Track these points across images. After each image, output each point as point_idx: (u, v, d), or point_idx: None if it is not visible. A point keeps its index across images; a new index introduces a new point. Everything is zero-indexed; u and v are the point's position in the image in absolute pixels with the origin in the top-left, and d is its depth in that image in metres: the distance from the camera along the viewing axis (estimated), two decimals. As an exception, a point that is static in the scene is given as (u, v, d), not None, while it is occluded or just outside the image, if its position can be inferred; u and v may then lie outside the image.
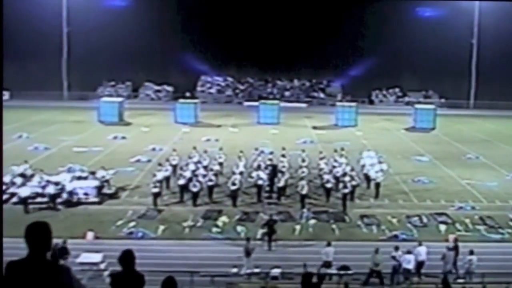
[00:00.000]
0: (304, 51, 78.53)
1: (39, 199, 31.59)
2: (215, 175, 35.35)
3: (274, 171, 34.69)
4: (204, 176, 34.48)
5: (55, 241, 6.33)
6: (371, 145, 49.01)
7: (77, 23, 79.36)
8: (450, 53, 75.69)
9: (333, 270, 23.29)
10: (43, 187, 32.18)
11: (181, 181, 33.73)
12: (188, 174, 34.51)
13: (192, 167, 35.93)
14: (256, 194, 33.72)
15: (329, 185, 33.74)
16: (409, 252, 23.82)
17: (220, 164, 38.68)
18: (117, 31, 75.80)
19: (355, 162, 39.17)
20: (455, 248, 24.55)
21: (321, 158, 38.85)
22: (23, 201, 31.21)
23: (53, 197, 31.59)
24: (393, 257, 23.50)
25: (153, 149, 46.65)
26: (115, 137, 52.25)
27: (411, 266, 23.56)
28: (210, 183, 33.52)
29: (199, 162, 37.49)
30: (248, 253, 24.15)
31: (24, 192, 31.80)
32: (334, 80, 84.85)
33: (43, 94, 76.27)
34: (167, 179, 35.23)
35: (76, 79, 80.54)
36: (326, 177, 34.45)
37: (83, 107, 69.80)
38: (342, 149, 40.97)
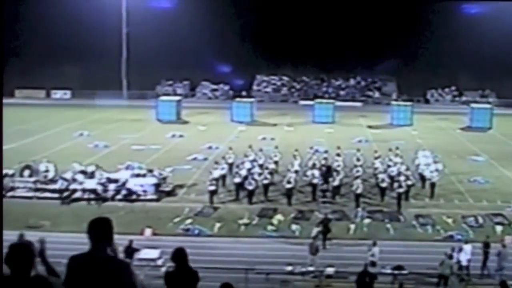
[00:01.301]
0: (359, 50, 78.10)
1: (99, 196, 32.42)
2: (271, 173, 35.59)
3: (328, 171, 34.66)
4: (260, 174, 34.73)
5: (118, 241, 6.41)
6: (426, 144, 48.45)
7: (136, 24, 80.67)
8: (508, 50, 73.85)
9: (387, 270, 23.19)
10: (103, 184, 33.01)
11: (237, 179, 34.09)
12: (244, 172, 34.87)
13: (248, 165, 36.27)
14: (311, 192, 33.80)
15: (384, 185, 33.60)
16: (460, 250, 23.53)
17: (276, 162, 38.88)
18: (175, 31, 76.81)
19: (410, 161, 38.84)
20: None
21: (376, 158, 38.73)
22: (84, 197, 32.18)
23: (113, 193, 32.37)
24: (449, 256, 23.09)
25: (210, 148, 47.17)
26: (173, 136, 53.03)
27: (464, 264, 23.26)
28: (265, 182, 33.76)
29: (254, 160, 37.81)
30: (316, 250, 24.36)
31: (85, 188, 32.76)
32: (389, 79, 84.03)
33: (103, 93, 77.93)
34: (223, 177, 35.62)
35: (135, 78, 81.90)
36: (381, 176, 34.33)
37: (142, 105, 71.00)
38: (397, 148, 40.69)
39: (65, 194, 32.93)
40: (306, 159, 39.18)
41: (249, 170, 35.36)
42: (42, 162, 35.99)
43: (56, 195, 32.90)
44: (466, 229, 28.84)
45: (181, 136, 53.09)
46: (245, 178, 33.94)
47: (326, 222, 27.57)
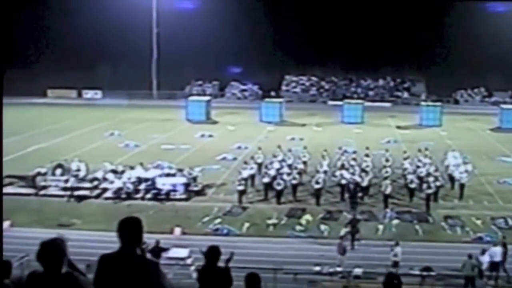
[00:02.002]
0: (388, 51, 77.88)
1: (129, 195, 32.80)
2: (299, 173, 35.64)
3: (355, 190, 33.90)
4: (288, 174, 34.79)
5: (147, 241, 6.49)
6: (455, 145, 48.05)
7: (166, 24, 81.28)
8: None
9: (416, 271, 23.09)
10: (133, 183, 33.38)
11: (266, 179, 34.22)
12: (272, 172, 34.99)
13: (276, 165, 36.40)
14: (339, 193, 33.78)
15: (412, 185, 33.49)
16: (483, 252, 23.31)
17: (304, 163, 38.93)
18: (205, 32, 77.31)
19: (439, 162, 38.58)
20: None
21: (405, 158, 38.65)
22: (114, 196, 32.61)
23: (142, 192, 32.72)
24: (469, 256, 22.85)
25: (239, 147, 47.35)
26: (202, 135, 53.36)
27: (484, 266, 23.03)
28: (294, 182, 33.80)
29: (283, 160, 37.91)
30: (344, 251, 24.40)
31: (115, 187, 33.19)
32: (418, 79, 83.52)
33: (134, 93, 78.68)
34: (252, 177, 35.78)
35: (165, 79, 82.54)
36: (409, 177, 34.20)
37: (172, 105, 71.49)
38: (426, 149, 40.51)
39: (96, 192, 33.43)
40: (335, 160, 39.15)
41: (277, 170, 35.47)
42: (74, 161, 36.51)
43: (87, 193, 33.36)
44: (495, 230, 28.59)
45: (210, 136, 53.37)
46: (274, 178, 34.03)
47: (355, 222, 27.54)
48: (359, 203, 31.30)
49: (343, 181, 33.87)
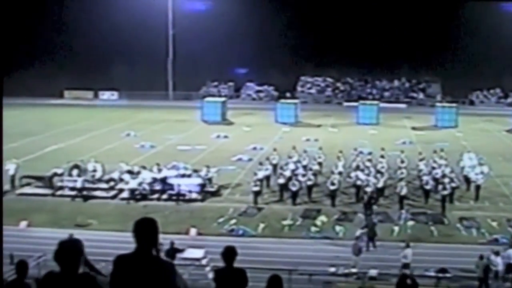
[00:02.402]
0: (404, 52, 77.67)
1: (145, 195, 32.98)
2: (314, 174, 35.61)
3: (369, 201, 33.34)
4: (304, 175, 34.81)
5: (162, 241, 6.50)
6: (471, 146, 47.75)
7: (181, 26, 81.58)
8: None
9: (431, 273, 23.04)
10: (149, 184, 33.55)
11: (281, 180, 34.27)
12: (288, 173, 35.03)
13: (292, 166, 36.40)
14: (354, 194, 33.75)
15: (428, 187, 33.34)
16: (497, 254, 23.17)
17: (320, 164, 38.90)
18: (220, 33, 77.51)
19: (455, 163, 38.40)
20: None
21: (421, 159, 38.46)
22: (130, 197, 32.82)
23: (158, 193, 32.89)
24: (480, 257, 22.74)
25: (254, 148, 47.39)
26: (218, 136, 53.45)
27: (499, 268, 22.89)
28: (309, 183, 33.82)
29: (298, 161, 37.92)
30: (359, 251, 24.43)
31: (131, 188, 33.39)
32: (434, 80, 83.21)
33: (150, 94, 79.04)
34: (267, 178, 35.83)
35: (180, 80, 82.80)
36: (425, 178, 34.05)
37: (187, 106, 71.74)
38: (442, 150, 40.35)
39: (112, 193, 33.66)
40: (350, 161, 39.09)
41: (293, 171, 35.50)
42: (90, 161, 36.76)
43: (104, 194, 33.60)
44: (511, 232, 28.40)
45: (226, 136, 53.46)
46: (289, 179, 34.06)
47: (372, 225, 27.38)
48: (373, 209, 31.08)
49: (359, 182, 33.83)
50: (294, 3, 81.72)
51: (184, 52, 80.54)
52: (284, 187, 33.85)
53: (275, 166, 37.80)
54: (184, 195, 33.13)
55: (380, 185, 33.70)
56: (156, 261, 5.92)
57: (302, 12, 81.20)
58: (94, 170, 35.78)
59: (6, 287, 9.49)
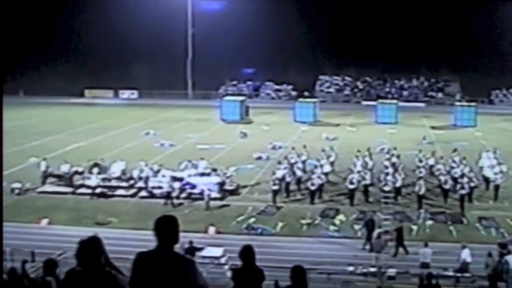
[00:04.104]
0: (423, 51, 77.40)
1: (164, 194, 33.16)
2: (326, 174, 35.65)
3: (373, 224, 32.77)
4: (322, 174, 34.81)
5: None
6: (490, 145, 47.35)
7: (201, 25, 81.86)
8: None
9: (449, 273, 22.96)
10: (168, 183, 33.70)
11: (292, 179, 34.38)
12: (300, 172, 35.39)
13: (310, 166, 36.40)
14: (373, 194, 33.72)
15: (447, 186, 33.17)
16: (509, 253, 23.00)
17: (332, 163, 38.87)
18: (239, 32, 77.72)
19: (474, 163, 38.20)
20: None
21: (440, 158, 38.39)
22: (149, 195, 33.06)
23: (177, 192, 33.05)
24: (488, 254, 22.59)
25: (273, 147, 47.41)
26: (244, 134, 53.42)
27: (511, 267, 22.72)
28: (320, 182, 33.70)
29: (317, 160, 37.92)
30: (381, 248, 24.41)
31: (150, 186, 33.64)
32: (453, 79, 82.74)
33: (169, 93, 79.41)
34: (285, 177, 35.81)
35: (200, 79, 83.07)
36: (443, 178, 33.88)
37: (207, 105, 72.02)
38: (455, 150, 40.19)
39: (132, 191, 33.91)
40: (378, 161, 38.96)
41: (311, 170, 35.58)
42: (116, 161, 36.90)
43: (124, 192, 33.85)
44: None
45: (245, 135, 53.45)
46: (308, 178, 34.11)
47: (399, 229, 26.96)
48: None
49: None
50: (313, 2, 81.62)
51: (203, 51, 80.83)
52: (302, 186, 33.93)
53: (293, 165, 37.79)
54: (203, 193, 33.22)
55: (398, 184, 33.62)
56: (177, 258, 6.00)
57: (321, 11, 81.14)
58: (115, 169, 36.02)
59: (29, 283, 9.67)
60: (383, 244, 25.02)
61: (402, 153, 40.54)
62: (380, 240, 25.08)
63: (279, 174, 34.64)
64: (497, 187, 33.74)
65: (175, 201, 32.31)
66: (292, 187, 34.70)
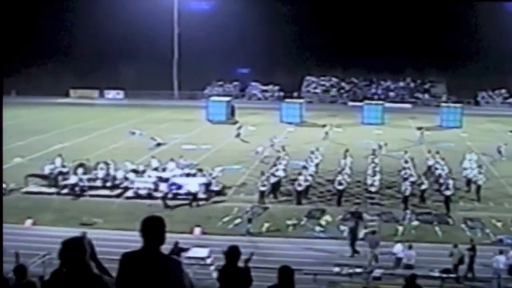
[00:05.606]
0: (409, 52, 77.74)
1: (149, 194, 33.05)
2: (312, 175, 35.72)
3: (360, 217, 32.63)
4: (309, 175, 34.82)
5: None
6: (476, 147, 47.72)
7: (187, 25, 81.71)
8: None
9: (435, 273, 23.04)
10: (154, 183, 33.58)
11: (273, 180, 34.29)
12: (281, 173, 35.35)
13: (296, 166, 36.41)
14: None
15: (424, 187, 33.26)
16: (501, 253, 23.20)
17: (317, 165, 38.93)
18: (225, 33, 77.66)
19: (459, 163, 38.44)
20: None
21: (427, 159, 38.59)
22: (135, 196, 32.90)
23: (163, 192, 32.89)
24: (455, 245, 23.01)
25: (260, 148, 47.22)
26: (223, 135, 53.29)
27: (501, 266, 22.89)
28: (306, 183, 33.71)
29: (305, 161, 38.02)
30: (376, 244, 24.60)
31: (135, 187, 33.50)
32: (439, 80, 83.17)
33: (155, 93, 79.15)
34: (268, 177, 35.73)
35: (186, 79, 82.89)
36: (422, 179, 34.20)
37: (193, 106, 71.82)
38: (437, 152, 40.42)
39: (117, 192, 33.74)
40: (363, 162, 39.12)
41: (284, 170, 35.83)
42: (100, 162, 36.71)
43: (108, 192, 33.68)
44: (516, 233, 28.40)
45: (236, 135, 53.11)
46: (294, 179, 34.15)
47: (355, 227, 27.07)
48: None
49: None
50: (300, 3, 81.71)
51: (190, 51, 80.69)
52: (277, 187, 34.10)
53: (278, 166, 37.70)
54: (188, 194, 33.10)
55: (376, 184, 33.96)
56: (163, 258, 5.96)
57: (308, 12, 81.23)
58: (101, 169, 35.80)
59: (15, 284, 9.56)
60: (378, 240, 25.07)
61: (388, 154, 40.67)
62: (374, 236, 25.15)
63: (266, 174, 34.56)
64: (479, 188, 33.84)
65: (161, 201, 32.14)
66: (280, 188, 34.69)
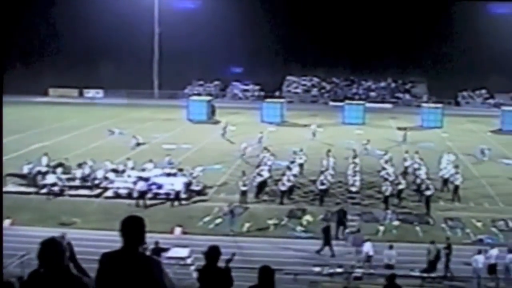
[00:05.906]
0: (390, 52, 78.06)
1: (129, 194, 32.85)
2: (295, 175, 35.74)
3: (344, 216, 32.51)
4: (291, 175, 34.81)
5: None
6: (456, 147, 48.07)
7: (168, 24, 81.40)
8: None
9: (416, 273, 23.13)
10: (134, 183, 33.37)
11: (258, 180, 34.31)
12: (266, 173, 35.43)
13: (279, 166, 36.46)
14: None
15: (401, 186, 33.41)
16: (479, 253, 23.36)
17: (301, 165, 38.95)
18: (206, 32, 77.51)
19: (437, 163, 38.75)
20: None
21: (405, 159, 38.77)
22: (115, 195, 32.68)
23: (143, 192, 32.70)
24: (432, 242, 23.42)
25: (240, 148, 47.16)
26: (203, 135, 53.15)
27: (480, 265, 23.05)
28: (289, 184, 33.72)
29: (290, 162, 38.10)
30: (362, 242, 24.86)
31: (116, 187, 33.28)
32: (420, 81, 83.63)
33: (135, 93, 78.75)
34: (254, 177, 35.73)
35: (166, 78, 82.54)
36: (408, 179, 34.35)
37: (173, 105, 71.52)
38: (417, 152, 40.76)
39: (97, 192, 33.51)
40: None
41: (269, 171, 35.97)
42: (81, 162, 36.38)
43: (88, 192, 33.45)
44: (495, 232, 28.60)
45: (219, 135, 52.93)
46: (279, 179, 34.29)
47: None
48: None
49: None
50: (281, 3, 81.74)
51: (170, 50, 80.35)
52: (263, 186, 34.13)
53: (260, 166, 37.71)
54: (169, 194, 32.98)
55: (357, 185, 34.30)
56: (143, 258, 5.91)
57: (289, 12, 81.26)
58: (81, 168, 35.53)
59: None
60: (363, 238, 25.12)
61: (368, 154, 40.79)
62: (360, 234, 25.21)
63: (248, 174, 34.54)
64: (456, 188, 34.00)
65: (141, 201, 31.95)
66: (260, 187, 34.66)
